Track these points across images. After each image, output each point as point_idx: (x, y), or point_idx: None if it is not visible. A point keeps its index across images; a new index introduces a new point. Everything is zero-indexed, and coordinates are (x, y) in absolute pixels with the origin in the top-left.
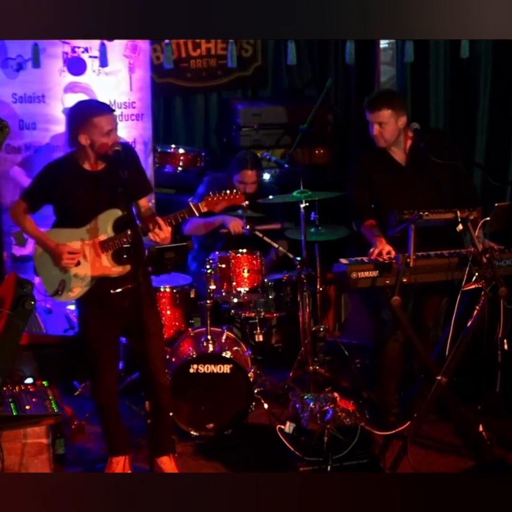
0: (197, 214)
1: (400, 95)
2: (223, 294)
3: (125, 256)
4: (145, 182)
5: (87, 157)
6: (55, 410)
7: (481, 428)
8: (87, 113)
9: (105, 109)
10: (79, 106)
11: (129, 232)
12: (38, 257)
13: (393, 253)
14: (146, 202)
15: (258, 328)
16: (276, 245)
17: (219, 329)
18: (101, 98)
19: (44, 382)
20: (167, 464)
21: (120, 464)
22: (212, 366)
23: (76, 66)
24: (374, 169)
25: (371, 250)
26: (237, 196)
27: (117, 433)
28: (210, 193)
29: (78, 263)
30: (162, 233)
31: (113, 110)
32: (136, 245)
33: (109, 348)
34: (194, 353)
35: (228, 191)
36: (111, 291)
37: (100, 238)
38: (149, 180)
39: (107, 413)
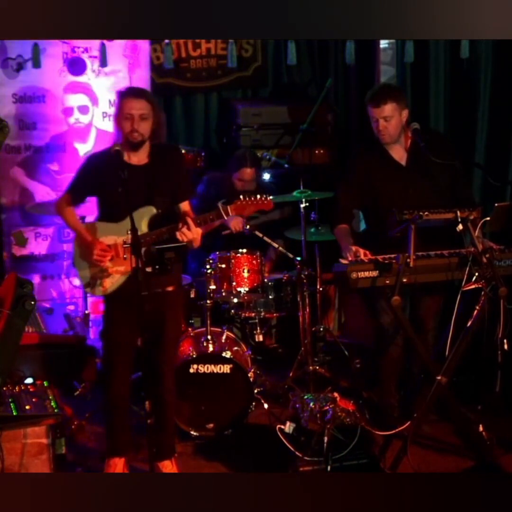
0: (225, 216)
1: (400, 88)
2: (223, 294)
3: (124, 257)
4: (186, 186)
5: (125, 148)
6: (55, 410)
7: (481, 428)
8: (119, 94)
9: (133, 92)
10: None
11: (128, 233)
12: (77, 249)
13: (368, 254)
14: (187, 207)
15: (258, 328)
16: (276, 245)
17: (219, 329)
18: (101, 98)
19: (44, 382)
20: (169, 468)
21: (118, 467)
22: (212, 366)
23: (76, 66)
24: (373, 167)
25: (347, 252)
26: (266, 202)
27: (121, 432)
28: (241, 196)
29: (111, 259)
30: (189, 234)
31: (148, 99)
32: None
33: (128, 346)
34: (194, 353)
35: (258, 196)
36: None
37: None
38: (192, 184)
39: (115, 408)
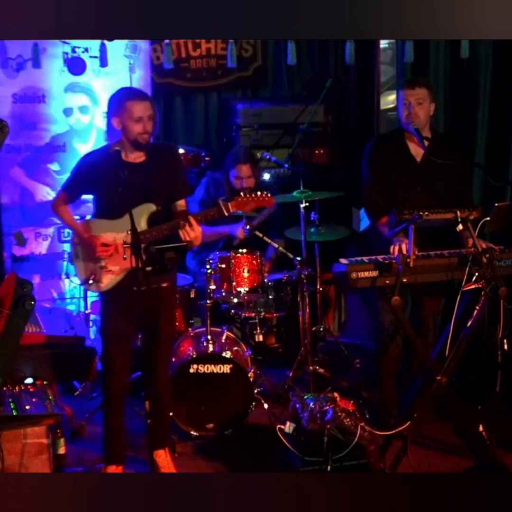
0: (226, 213)
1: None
2: (223, 294)
3: (124, 257)
4: (183, 184)
5: (124, 147)
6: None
7: (481, 428)
8: (122, 97)
9: (139, 95)
10: (118, 90)
11: (128, 232)
12: (74, 246)
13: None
14: (184, 205)
15: (258, 328)
16: (276, 245)
17: (219, 329)
18: (101, 98)
19: (44, 382)
20: (162, 457)
21: None
22: (212, 366)
23: (76, 66)
24: (390, 159)
25: (392, 249)
26: (267, 198)
27: (118, 439)
28: (241, 193)
29: (111, 255)
30: (192, 232)
31: (150, 100)
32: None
33: (126, 340)
34: (194, 353)
35: (258, 193)
36: (134, 288)
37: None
38: (189, 183)
39: (114, 407)
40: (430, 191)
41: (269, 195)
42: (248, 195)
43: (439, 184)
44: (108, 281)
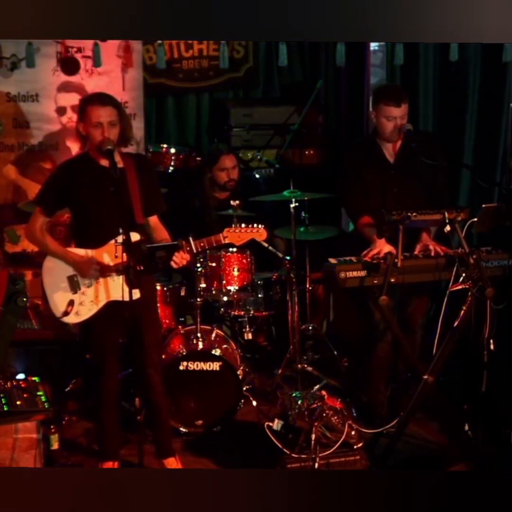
0: (223, 242)
1: None
2: (213, 292)
3: (116, 256)
4: (156, 199)
5: (98, 156)
6: (46, 406)
7: (466, 427)
8: (84, 101)
9: (100, 99)
10: (86, 95)
11: (122, 235)
12: (46, 274)
13: (394, 252)
14: (157, 221)
15: (248, 326)
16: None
17: (209, 327)
18: None
19: (36, 378)
20: (174, 465)
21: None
22: (202, 363)
23: (69, 65)
24: (364, 163)
25: (366, 251)
26: (260, 231)
27: (113, 436)
28: (233, 225)
29: (90, 284)
30: (184, 260)
31: (114, 105)
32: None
33: (114, 348)
34: (184, 350)
35: (253, 225)
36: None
37: (115, 261)
38: (162, 198)
39: (108, 408)
40: (407, 191)
41: (262, 228)
42: (241, 227)
43: (417, 184)
44: (88, 311)
